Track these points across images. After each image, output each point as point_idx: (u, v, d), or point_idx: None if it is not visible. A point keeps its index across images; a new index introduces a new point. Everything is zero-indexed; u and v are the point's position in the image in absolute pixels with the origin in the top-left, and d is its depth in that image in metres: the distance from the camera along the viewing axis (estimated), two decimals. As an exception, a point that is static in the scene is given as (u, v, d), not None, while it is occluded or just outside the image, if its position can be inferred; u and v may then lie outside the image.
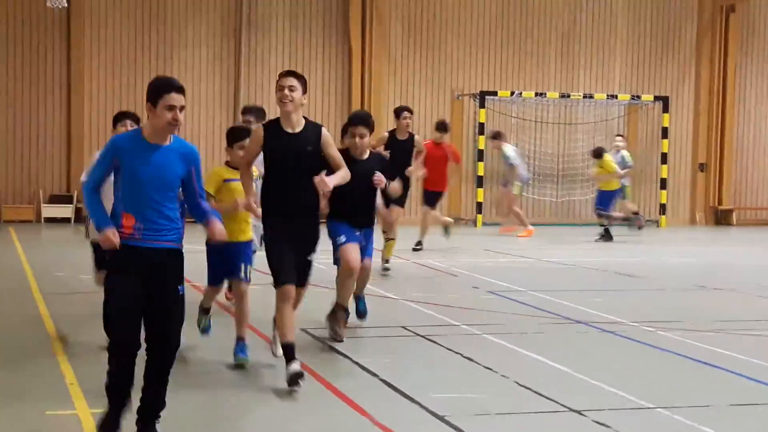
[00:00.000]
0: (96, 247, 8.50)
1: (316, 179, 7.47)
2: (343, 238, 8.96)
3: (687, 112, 27.67)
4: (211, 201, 8.07)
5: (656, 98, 26.62)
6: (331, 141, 7.73)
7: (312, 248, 7.71)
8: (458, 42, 25.94)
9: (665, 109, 26.54)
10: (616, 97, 26.37)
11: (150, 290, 5.96)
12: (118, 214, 6.04)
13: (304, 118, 7.69)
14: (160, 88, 5.99)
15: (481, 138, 25.14)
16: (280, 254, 7.51)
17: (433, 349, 9.04)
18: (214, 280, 8.48)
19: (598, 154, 21.42)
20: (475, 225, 25.15)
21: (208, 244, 8.00)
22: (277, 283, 7.50)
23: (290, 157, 7.53)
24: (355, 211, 9.01)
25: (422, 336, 9.66)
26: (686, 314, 11.35)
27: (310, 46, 25.07)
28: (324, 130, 7.76)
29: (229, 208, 8.17)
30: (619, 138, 23.33)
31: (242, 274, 8.25)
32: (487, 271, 15.07)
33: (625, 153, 22.78)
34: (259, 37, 24.71)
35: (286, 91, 7.50)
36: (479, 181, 25.46)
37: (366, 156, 9.06)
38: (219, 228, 6.27)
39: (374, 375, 7.92)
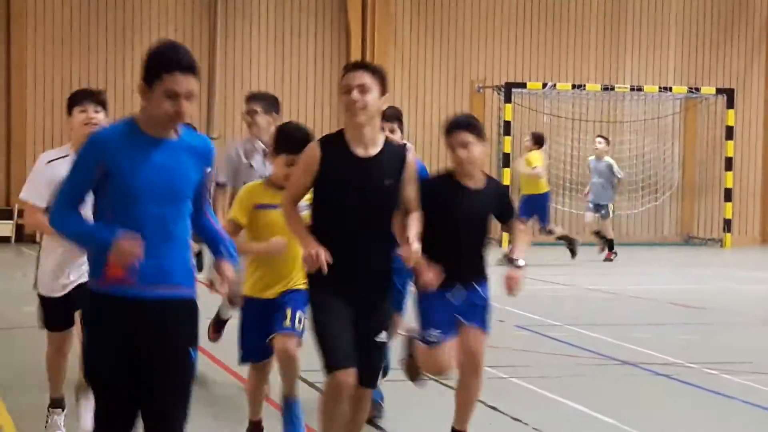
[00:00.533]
0: (46, 302, 7.32)
1: (404, 251, 6.14)
2: (434, 335, 7.12)
3: (756, 108, 27.68)
4: (237, 238, 6.91)
5: (719, 91, 26.63)
6: (415, 173, 6.38)
7: (382, 327, 6.32)
8: (479, 23, 25.98)
9: (730, 105, 26.56)
10: (671, 89, 26.38)
11: (147, 356, 4.99)
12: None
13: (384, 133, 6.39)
14: (160, 64, 4.91)
15: (507, 139, 25.17)
16: (333, 327, 6.14)
17: (448, 396, 9.03)
18: (250, 352, 7.14)
19: (539, 140, 20.81)
20: (501, 245, 25.14)
21: (244, 303, 7.16)
22: (329, 367, 6.10)
23: (360, 193, 6.12)
24: (456, 264, 7.11)
25: (435, 380, 9.67)
26: (757, 354, 11.34)
27: (300, 26, 25.11)
28: (410, 154, 6.36)
29: (263, 249, 6.95)
30: (600, 140, 22.06)
31: (287, 323, 7.00)
32: (515, 300, 15.03)
33: (610, 161, 21.95)
34: (238, 14, 24.76)
35: (355, 94, 6.06)
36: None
37: (478, 182, 7.16)
38: (230, 273, 5.19)
39: (378, 428, 7.93)
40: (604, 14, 26.68)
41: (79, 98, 7.32)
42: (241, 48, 24.71)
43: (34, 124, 23.79)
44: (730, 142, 26.61)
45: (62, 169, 6.47)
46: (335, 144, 6.17)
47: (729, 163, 26.66)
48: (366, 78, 6.10)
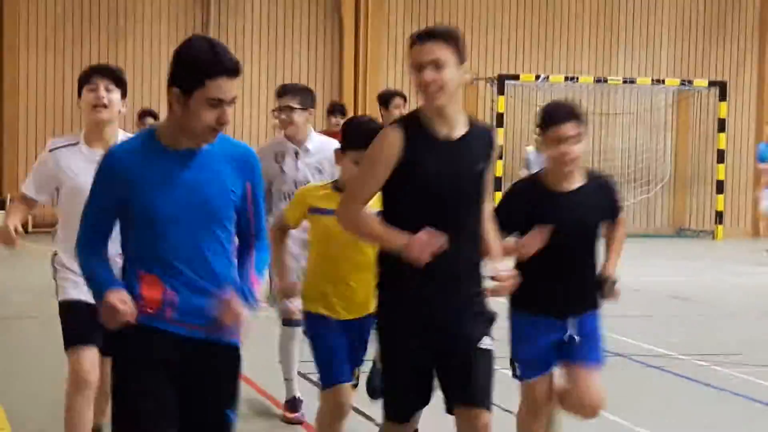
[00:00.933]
0: (66, 307, 6.03)
1: (497, 276, 5.19)
2: (519, 369, 6.23)
3: (749, 101, 27.66)
4: (282, 245, 6.12)
5: (711, 84, 26.61)
6: (496, 153, 5.37)
7: (484, 332, 5.27)
8: (473, 15, 25.95)
9: (722, 97, 26.54)
10: (663, 82, 26.36)
11: (180, 409, 4.33)
12: (132, 277, 4.30)
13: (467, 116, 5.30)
14: (201, 69, 4.18)
15: (500, 131, 25.15)
16: (403, 372, 5.21)
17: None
18: (335, 375, 5.98)
19: None
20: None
21: (306, 320, 6.09)
22: (388, 416, 5.31)
23: (452, 183, 5.09)
24: (558, 287, 6.08)
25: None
26: (748, 346, 11.34)
27: (293, 22, 25.06)
28: (494, 133, 5.41)
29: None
30: (530, 149, 21.29)
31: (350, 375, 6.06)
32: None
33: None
34: (231, 8, 24.72)
35: (429, 73, 5.00)
36: (497, 184, 25.47)
37: (577, 183, 6.08)
38: (234, 310, 4.27)
39: (369, 418, 7.91)
40: (597, 6, 26.65)
41: (89, 75, 6.03)
42: (234, 41, 24.64)
43: (26, 115, 23.72)
44: (722, 135, 26.59)
45: (68, 159, 5.85)
46: (414, 127, 5.09)
47: (721, 156, 26.65)
48: (439, 50, 5.01)
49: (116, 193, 4.26)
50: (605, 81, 25.94)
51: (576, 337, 6.06)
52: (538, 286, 5.94)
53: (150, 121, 16.06)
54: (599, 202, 6.13)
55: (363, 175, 5.15)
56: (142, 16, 24.20)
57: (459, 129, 5.12)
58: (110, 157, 4.33)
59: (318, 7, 25.17)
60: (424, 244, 4.84)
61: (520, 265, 5.79)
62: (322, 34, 25.23)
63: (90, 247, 4.34)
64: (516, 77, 25.54)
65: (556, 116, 5.94)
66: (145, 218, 4.25)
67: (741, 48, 27.50)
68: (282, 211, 6.19)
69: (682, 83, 26.45)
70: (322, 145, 8.10)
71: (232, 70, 4.19)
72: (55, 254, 6.10)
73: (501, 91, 25.21)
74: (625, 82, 26.05)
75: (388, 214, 5.13)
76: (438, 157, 5.05)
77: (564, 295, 6.05)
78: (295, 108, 8.17)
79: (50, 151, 6.00)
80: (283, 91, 8.35)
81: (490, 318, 5.26)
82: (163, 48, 24.28)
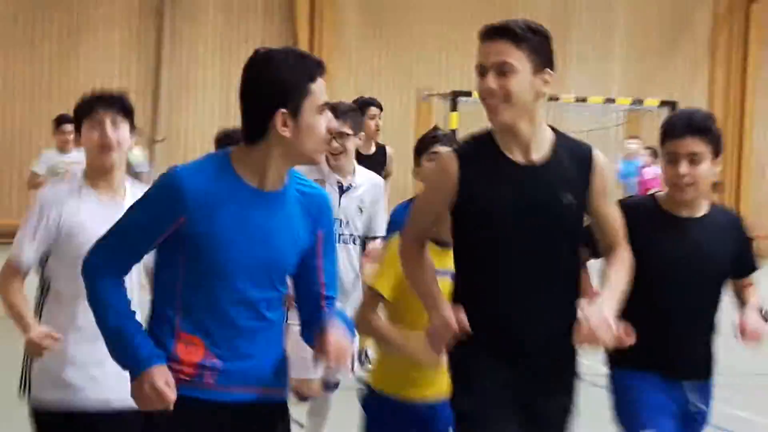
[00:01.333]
0: (42, 419, 4.73)
1: (583, 322, 3.91)
2: None
3: (698, 121, 27.99)
4: (373, 317, 4.74)
5: (662, 103, 26.91)
6: (608, 179, 4.30)
7: (565, 425, 4.29)
8: (426, 31, 26.13)
9: (673, 117, 26.82)
10: (614, 101, 26.66)
11: None
12: (167, 330, 3.60)
13: (553, 130, 4.27)
14: (303, 74, 3.59)
15: (452, 147, 25.33)
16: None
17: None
18: None
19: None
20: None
21: (368, 398, 4.96)
22: None
23: (526, 218, 4.07)
24: (679, 344, 4.82)
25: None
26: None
27: (247, 31, 25.08)
28: (597, 153, 4.24)
29: (411, 353, 4.59)
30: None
31: None
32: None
33: None
34: (186, 17, 24.68)
35: (491, 81, 4.04)
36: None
37: (703, 210, 4.93)
38: (339, 343, 3.59)
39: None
40: (550, 25, 26.68)
41: (90, 106, 4.79)
42: (188, 51, 24.68)
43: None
44: (672, 155, 26.86)
45: (77, 209, 4.69)
46: (480, 149, 4.15)
47: (671, 175, 26.90)
48: (507, 52, 4.06)
49: (177, 221, 3.55)
50: (557, 99, 26.09)
51: (700, 410, 4.91)
52: (653, 338, 4.75)
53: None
54: (725, 240, 4.92)
55: (418, 207, 4.27)
56: (96, 23, 24.11)
57: (539, 151, 4.14)
58: (179, 177, 3.58)
59: (273, 18, 25.24)
60: (438, 335, 3.96)
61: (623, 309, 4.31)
62: (276, 44, 25.04)
63: (107, 278, 3.59)
64: (469, 94, 25.66)
65: (678, 128, 4.82)
66: (202, 264, 3.57)
67: (691, 68, 27.90)
68: (370, 285, 4.87)
69: (633, 102, 26.76)
70: (365, 179, 6.86)
71: (324, 66, 3.66)
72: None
73: (454, 108, 25.33)
74: (576, 100, 26.28)
75: (459, 262, 4.20)
76: (506, 186, 4.07)
77: (677, 350, 4.82)
78: (350, 135, 6.78)
79: (50, 200, 4.73)
80: (337, 110, 6.56)
81: (568, 407, 4.29)
82: (116, 55, 24.25)
